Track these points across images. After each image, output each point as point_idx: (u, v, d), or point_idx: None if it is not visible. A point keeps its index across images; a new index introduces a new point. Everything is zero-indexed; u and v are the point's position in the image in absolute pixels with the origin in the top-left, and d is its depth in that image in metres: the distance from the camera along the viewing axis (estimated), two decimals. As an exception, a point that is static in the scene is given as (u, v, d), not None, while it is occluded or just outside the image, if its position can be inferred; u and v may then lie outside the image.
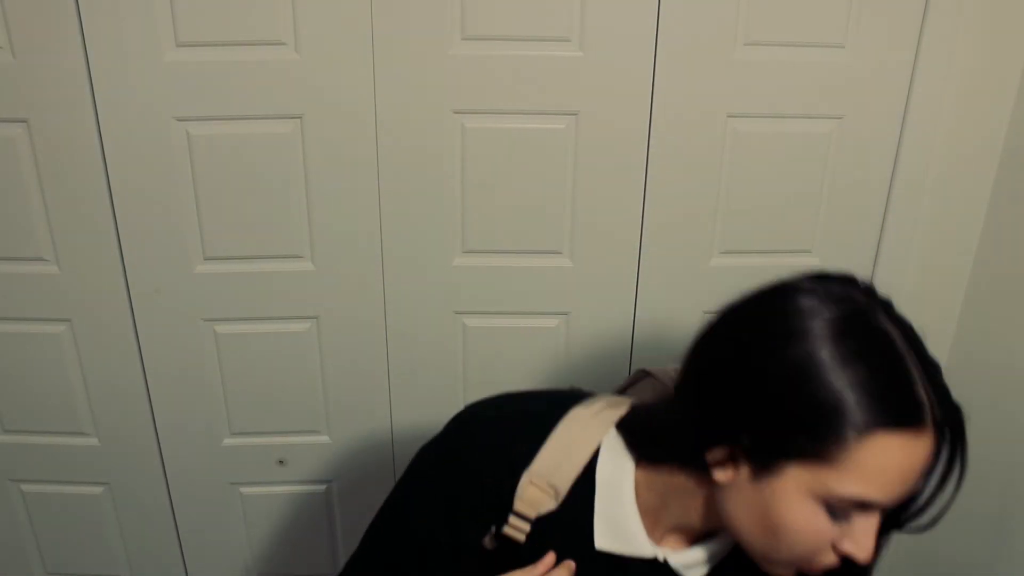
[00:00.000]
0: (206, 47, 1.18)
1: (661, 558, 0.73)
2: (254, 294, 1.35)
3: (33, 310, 1.35)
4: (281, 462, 1.51)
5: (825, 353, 0.58)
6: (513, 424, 0.75)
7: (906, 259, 1.37)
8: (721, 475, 0.65)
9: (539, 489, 0.72)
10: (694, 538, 0.75)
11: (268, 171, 1.26)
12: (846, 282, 0.64)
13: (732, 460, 0.64)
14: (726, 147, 1.28)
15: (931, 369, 0.60)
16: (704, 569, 0.75)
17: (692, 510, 0.71)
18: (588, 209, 1.30)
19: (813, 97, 1.25)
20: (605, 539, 0.73)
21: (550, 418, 0.74)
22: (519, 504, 0.72)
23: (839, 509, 0.60)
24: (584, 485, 0.72)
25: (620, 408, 0.75)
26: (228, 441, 1.48)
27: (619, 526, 0.72)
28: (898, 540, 1.67)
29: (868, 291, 0.64)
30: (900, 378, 0.59)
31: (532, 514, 0.72)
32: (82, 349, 1.38)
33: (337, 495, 1.54)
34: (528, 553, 0.73)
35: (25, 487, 1.52)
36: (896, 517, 0.65)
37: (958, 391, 1.34)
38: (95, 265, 1.32)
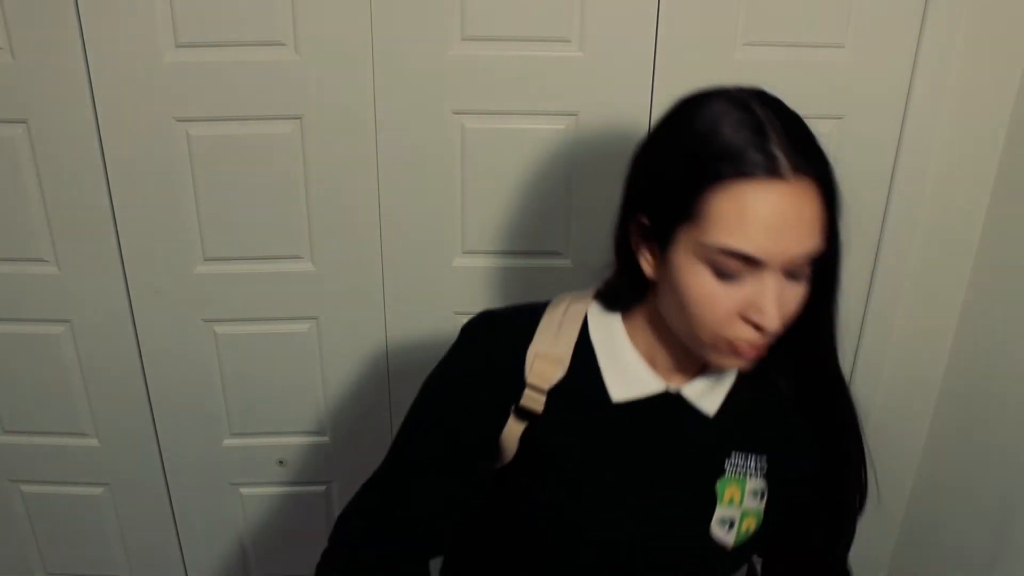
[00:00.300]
0: (206, 48, 1.18)
1: (674, 390, 0.79)
2: (254, 294, 1.35)
3: (33, 310, 1.35)
4: (281, 462, 1.51)
5: (697, 126, 0.68)
6: (508, 318, 0.83)
7: (906, 259, 1.37)
8: (647, 266, 0.73)
9: (545, 361, 0.78)
10: (695, 373, 0.80)
11: (268, 171, 1.26)
12: (742, 87, 0.71)
13: (647, 245, 0.73)
14: (726, 147, 1.27)
15: (799, 139, 0.67)
16: (717, 397, 0.80)
17: (675, 337, 0.76)
18: (588, 210, 1.30)
19: (813, 97, 1.25)
20: (618, 389, 0.78)
21: (538, 309, 0.82)
22: (531, 377, 0.78)
23: (722, 266, 0.66)
24: (584, 351, 0.79)
25: (591, 292, 0.84)
26: (228, 441, 1.48)
27: (626, 373, 0.78)
28: (898, 540, 1.67)
29: (758, 90, 0.71)
30: (755, 137, 0.65)
31: (545, 386, 0.78)
32: (82, 349, 1.38)
33: (337, 495, 1.55)
34: (547, 427, 0.78)
35: (25, 487, 1.52)
36: (822, 287, 0.73)
37: (958, 390, 1.35)
38: (95, 265, 1.32)
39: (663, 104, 1.23)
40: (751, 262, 0.65)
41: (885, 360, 1.43)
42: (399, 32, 1.18)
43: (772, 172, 0.64)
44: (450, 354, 0.84)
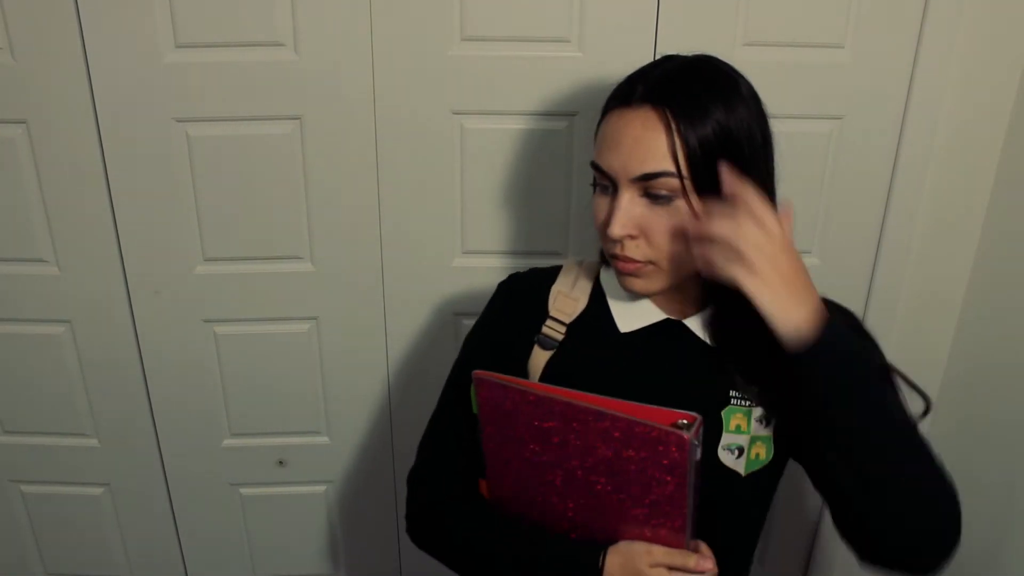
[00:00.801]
0: (205, 48, 1.18)
1: (676, 319, 0.87)
2: (254, 294, 1.35)
3: (33, 311, 1.35)
4: (281, 462, 1.51)
5: None
6: (534, 271, 0.97)
7: (906, 259, 1.37)
8: None
9: (565, 298, 0.90)
10: (698, 309, 0.87)
11: (268, 171, 1.26)
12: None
13: None
14: (726, 147, 1.28)
15: (667, 78, 0.75)
16: (720, 329, 0.86)
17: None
18: (588, 210, 1.30)
19: (813, 97, 1.25)
20: (625, 321, 0.88)
21: (557, 267, 0.96)
22: (553, 311, 0.89)
23: (597, 182, 0.80)
24: (597, 294, 0.91)
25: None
26: (228, 442, 1.48)
27: (631, 307, 0.88)
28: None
29: (705, 55, 0.81)
30: (631, 78, 0.78)
31: (565, 319, 0.89)
32: (82, 350, 1.38)
33: (337, 495, 1.55)
34: (566, 357, 0.87)
35: (25, 488, 1.52)
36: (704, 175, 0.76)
37: (958, 390, 1.35)
38: (95, 266, 1.32)
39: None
40: (608, 177, 0.77)
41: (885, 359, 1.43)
42: (399, 32, 1.18)
43: (624, 101, 0.76)
44: (486, 307, 0.95)
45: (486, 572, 0.88)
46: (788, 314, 0.69)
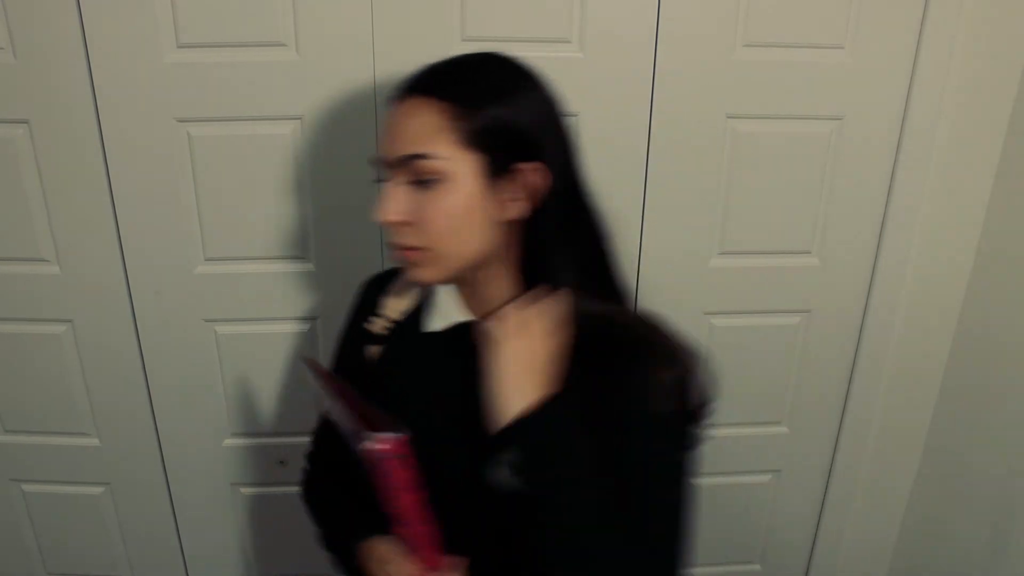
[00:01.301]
0: (207, 48, 1.18)
1: (479, 319, 0.86)
2: (254, 295, 1.36)
3: (34, 310, 1.35)
4: (282, 462, 1.51)
5: None
6: (390, 270, 0.97)
7: (906, 259, 1.37)
8: None
9: (398, 296, 0.93)
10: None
11: (268, 171, 1.27)
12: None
13: None
14: (726, 147, 1.28)
15: (435, 71, 0.77)
16: None
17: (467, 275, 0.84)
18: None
19: (813, 97, 1.25)
20: (433, 322, 0.88)
21: None
22: (381, 307, 0.93)
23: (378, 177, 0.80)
24: (428, 292, 0.90)
25: None
26: (228, 442, 1.48)
27: (439, 307, 0.88)
28: (899, 536, 1.66)
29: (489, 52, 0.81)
30: (409, 75, 0.78)
31: (392, 315, 0.92)
32: (83, 350, 1.39)
33: (337, 495, 1.55)
34: (388, 352, 0.91)
35: (26, 487, 1.52)
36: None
37: (959, 388, 1.35)
38: (96, 266, 1.32)
39: (663, 104, 1.25)
40: (380, 167, 0.78)
41: (886, 359, 1.43)
42: (399, 33, 1.19)
43: (398, 95, 0.78)
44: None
45: (324, 541, 0.96)
46: (510, 402, 0.74)
